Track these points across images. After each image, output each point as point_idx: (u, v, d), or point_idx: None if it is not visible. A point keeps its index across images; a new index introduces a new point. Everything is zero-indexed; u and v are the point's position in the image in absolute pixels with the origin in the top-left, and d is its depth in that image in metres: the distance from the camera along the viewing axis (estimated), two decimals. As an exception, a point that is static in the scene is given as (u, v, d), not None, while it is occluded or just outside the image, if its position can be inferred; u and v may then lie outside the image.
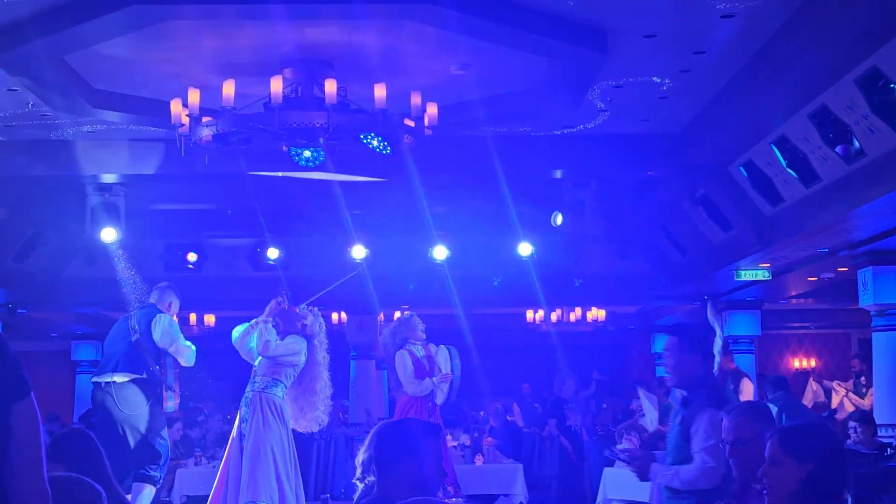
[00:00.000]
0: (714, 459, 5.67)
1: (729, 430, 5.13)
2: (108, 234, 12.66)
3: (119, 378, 9.47)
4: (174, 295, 10.05)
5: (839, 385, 17.29)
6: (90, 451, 4.84)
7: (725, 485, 5.70)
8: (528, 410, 18.17)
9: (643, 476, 5.91)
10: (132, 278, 11.21)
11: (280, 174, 9.80)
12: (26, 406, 2.57)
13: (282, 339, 9.46)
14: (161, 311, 9.78)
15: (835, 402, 16.12)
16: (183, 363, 9.67)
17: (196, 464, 12.08)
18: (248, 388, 9.49)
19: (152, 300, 9.99)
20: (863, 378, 16.28)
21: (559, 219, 13.00)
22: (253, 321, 9.56)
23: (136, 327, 9.61)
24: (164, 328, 9.59)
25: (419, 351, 10.62)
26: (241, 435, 9.33)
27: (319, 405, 9.66)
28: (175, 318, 10.02)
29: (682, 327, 6.43)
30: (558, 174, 12.42)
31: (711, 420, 5.71)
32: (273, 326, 9.45)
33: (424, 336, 10.70)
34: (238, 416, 9.50)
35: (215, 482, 9.51)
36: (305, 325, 9.65)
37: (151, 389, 9.58)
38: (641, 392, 13.33)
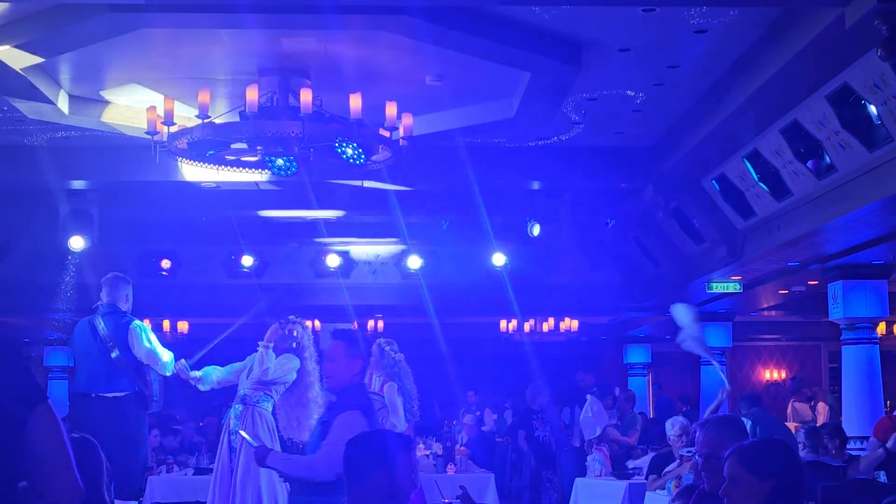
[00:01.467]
0: (334, 453, 5.67)
1: (703, 443, 5.15)
2: (77, 243, 12.59)
3: (112, 394, 9.26)
4: (126, 284, 9.50)
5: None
6: (92, 463, 4.73)
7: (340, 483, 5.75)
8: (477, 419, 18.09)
9: (260, 462, 5.98)
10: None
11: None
12: (42, 411, 2.68)
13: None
14: (129, 317, 9.47)
15: (821, 420, 16.16)
16: (161, 372, 9.40)
17: (168, 471, 12.01)
18: (236, 402, 9.34)
19: (105, 299, 9.42)
20: (811, 401, 16.42)
21: (536, 229, 13.03)
22: (229, 367, 9.42)
23: (112, 341, 9.29)
24: (144, 342, 9.27)
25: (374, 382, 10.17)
26: (231, 449, 9.20)
27: (314, 413, 9.53)
28: (147, 322, 9.74)
29: (346, 333, 6.41)
30: (535, 185, 12.45)
31: (348, 419, 5.69)
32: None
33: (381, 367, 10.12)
34: (226, 429, 9.37)
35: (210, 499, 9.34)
36: (298, 342, 9.47)
37: (142, 402, 9.40)
38: (590, 398, 13.35)
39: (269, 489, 9.04)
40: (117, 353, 9.15)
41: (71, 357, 20.39)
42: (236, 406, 9.28)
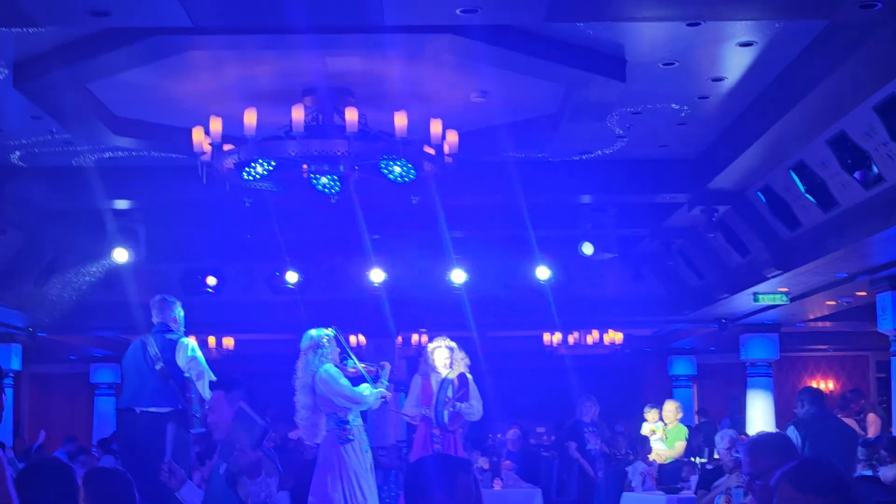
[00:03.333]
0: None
1: (748, 463, 5.11)
2: (121, 255, 12.80)
3: (156, 409, 9.31)
4: (173, 305, 9.64)
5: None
6: (123, 494, 4.80)
7: None
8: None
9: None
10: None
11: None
12: None
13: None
14: (178, 334, 9.57)
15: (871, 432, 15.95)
16: (204, 393, 9.40)
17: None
18: (352, 421, 9.60)
19: (157, 319, 9.59)
20: (860, 414, 16.23)
21: (588, 248, 13.06)
22: (377, 392, 9.67)
23: (159, 355, 9.39)
24: (190, 356, 9.36)
25: (437, 379, 10.66)
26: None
27: None
28: (193, 339, 9.85)
29: (222, 381, 6.53)
30: (583, 199, 12.46)
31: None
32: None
33: (447, 365, 10.65)
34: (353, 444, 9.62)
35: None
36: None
37: (186, 420, 9.44)
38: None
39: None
40: (161, 365, 9.24)
41: (118, 374, 20.72)
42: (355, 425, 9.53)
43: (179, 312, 9.61)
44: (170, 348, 9.30)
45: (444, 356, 10.62)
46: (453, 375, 10.60)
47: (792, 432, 9.29)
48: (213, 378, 9.38)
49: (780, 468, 4.79)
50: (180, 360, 9.24)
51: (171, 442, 9.30)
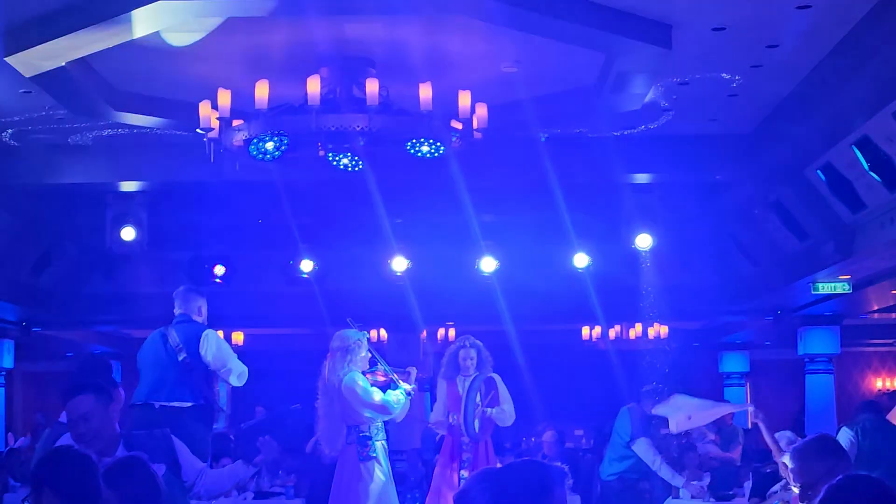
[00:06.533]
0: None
1: (797, 472, 5.10)
2: (128, 234, 12.88)
3: (178, 403, 9.34)
4: (198, 297, 9.69)
5: None
6: (147, 483, 4.88)
7: None
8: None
9: None
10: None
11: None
12: None
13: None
14: (202, 325, 9.61)
15: None
16: (234, 383, 9.45)
17: (226, 495, 12.15)
18: (374, 436, 9.57)
19: (179, 311, 9.61)
20: None
21: (645, 241, 13.07)
22: (404, 397, 9.69)
23: (181, 346, 9.42)
24: (216, 347, 9.37)
25: (465, 384, 10.59)
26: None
27: None
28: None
29: (90, 383, 6.31)
30: (628, 179, 12.42)
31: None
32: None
33: (472, 367, 10.59)
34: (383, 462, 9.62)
35: None
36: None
37: (209, 416, 9.47)
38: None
39: None
40: (185, 355, 9.24)
41: (119, 372, 20.84)
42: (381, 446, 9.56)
43: (204, 305, 9.67)
44: (194, 339, 9.31)
45: (472, 357, 10.57)
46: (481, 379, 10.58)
47: (845, 433, 9.30)
48: (244, 370, 9.46)
49: (832, 473, 4.81)
50: (206, 352, 9.26)
51: (192, 440, 9.40)
